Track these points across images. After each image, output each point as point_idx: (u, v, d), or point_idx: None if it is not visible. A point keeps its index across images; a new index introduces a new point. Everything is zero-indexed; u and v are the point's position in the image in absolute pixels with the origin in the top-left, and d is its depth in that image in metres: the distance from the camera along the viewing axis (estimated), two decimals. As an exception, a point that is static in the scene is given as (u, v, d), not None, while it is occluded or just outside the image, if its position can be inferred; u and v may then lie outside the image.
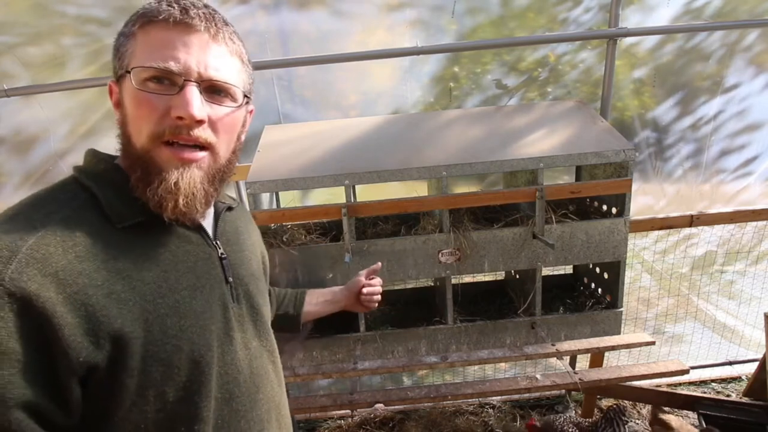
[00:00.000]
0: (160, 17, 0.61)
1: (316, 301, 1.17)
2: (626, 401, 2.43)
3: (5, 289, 0.51)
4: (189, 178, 0.64)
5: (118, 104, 0.66)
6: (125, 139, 0.66)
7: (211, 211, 0.78)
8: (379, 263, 1.24)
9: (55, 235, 0.57)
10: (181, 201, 0.64)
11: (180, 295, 0.64)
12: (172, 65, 0.61)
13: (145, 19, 0.63)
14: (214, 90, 0.66)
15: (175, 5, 0.62)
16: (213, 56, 0.64)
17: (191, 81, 0.62)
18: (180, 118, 0.62)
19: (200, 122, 0.64)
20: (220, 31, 0.66)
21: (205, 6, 0.65)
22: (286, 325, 1.11)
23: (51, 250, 0.55)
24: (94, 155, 0.69)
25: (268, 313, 0.85)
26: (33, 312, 0.52)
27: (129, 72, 0.62)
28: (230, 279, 0.74)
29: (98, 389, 0.57)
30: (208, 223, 0.76)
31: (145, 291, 0.61)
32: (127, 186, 0.65)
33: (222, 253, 0.74)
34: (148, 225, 0.65)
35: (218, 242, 0.75)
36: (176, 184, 0.63)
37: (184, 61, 0.62)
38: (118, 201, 0.64)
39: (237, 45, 0.69)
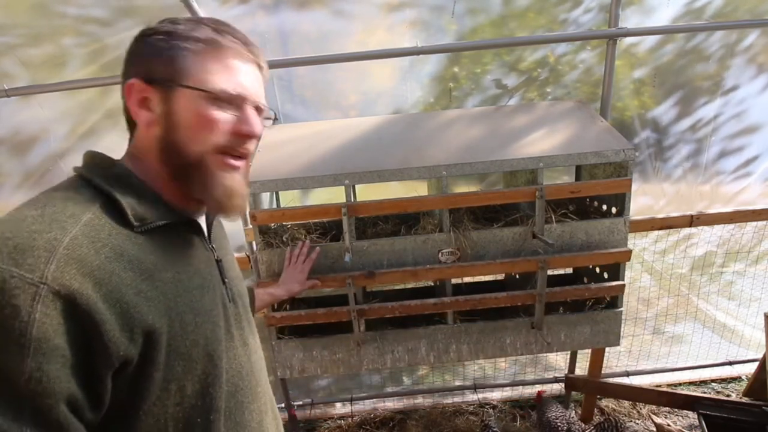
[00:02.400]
0: (231, 48, 0.71)
1: (263, 304, 1.36)
2: (626, 401, 2.43)
3: (50, 287, 0.54)
4: (238, 181, 0.75)
5: (145, 104, 0.70)
6: (170, 143, 0.70)
7: (202, 214, 0.81)
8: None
9: (85, 236, 0.59)
10: (238, 201, 0.74)
11: (192, 294, 0.69)
12: (243, 91, 0.71)
13: (215, 45, 0.70)
14: (258, 111, 0.76)
15: (238, 36, 0.72)
16: (260, 84, 0.76)
17: (250, 105, 0.73)
18: (247, 135, 0.72)
19: (258, 137, 0.75)
20: (264, 62, 0.76)
21: (250, 38, 0.75)
22: None
23: (84, 251, 0.58)
24: (101, 158, 0.71)
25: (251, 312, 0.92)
26: (76, 310, 0.55)
27: (203, 90, 0.68)
28: (226, 280, 0.80)
29: (127, 384, 0.60)
30: (204, 228, 0.81)
31: (166, 290, 0.65)
32: (143, 191, 0.69)
33: (217, 256, 0.80)
34: (161, 229, 0.69)
35: (213, 245, 0.81)
36: (232, 187, 0.73)
37: (250, 88, 0.72)
38: (138, 205, 0.67)
39: (268, 71, 0.80)
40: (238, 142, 0.73)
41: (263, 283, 1.45)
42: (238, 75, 0.71)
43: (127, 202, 0.66)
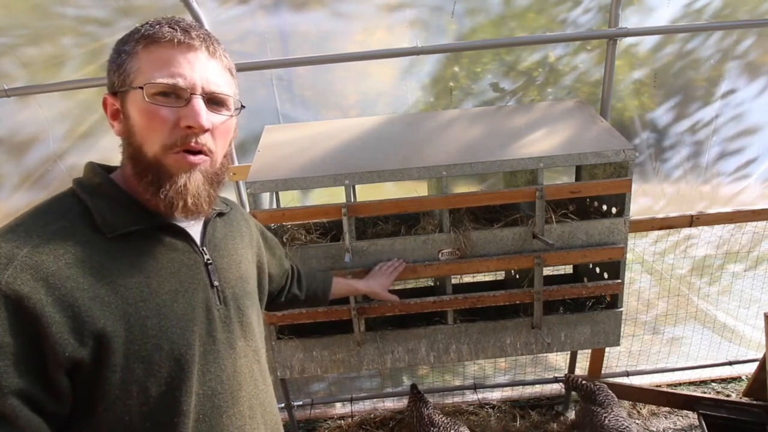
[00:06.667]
0: (165, 39, 0.68)
1: (339, 291, 1.38)
2: (626, 401, 2.43)
3: (2, 291, 0.58)
4: (194, 180, 0.72)
5: (116, 116, 0.72)
6: (133, 147, 0.71)
7: (201, 218, 0.82)
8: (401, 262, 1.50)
9: (48, 244, 0.63)
10: (189, 201, 0.71)
11: (161, 299, 0.70)
12: (180, 81, 0.68)
13: (149, 40, 0.69)
14: (213, 101, 0.73)
15: (176, 27, 0.69)
16: (212, 72, 0.72)
17: (197, 94, 0.70)
18: (190, 127, 0.69)
19: (207, 130, 0.71)
20: (217, 49, 0.74)
21: (200, 27, 0.73)
22: (315, 303, 1.35)
23: (43, 257, 0.62)
24: (92, 169, 0.74)
25: (254, 314, 0.89)
26: (25, 312, 0.58)
27: (141, 88, 0.68)
28: (216, 283, 0.79)
29: (84, 382, 0.63)
30: (196, 230, 0.81)
31: (127, 295, 0.67)
32: (119, 198, 0.71)
33: (208, 259, 0.79)
34: (136, 235, 0.71)
35: (205, 249, 0.80)
36: (185, 186, 0.71)
37: (190, 77, 0.69)
38: (109, 213, 0.69)
39: (228, 60, 0.77)
40: (188, 137, 0.70)
41: (342, 273, 1.49)
42: (172, 65, 0.68)
43: (99, 211, 0.69)
